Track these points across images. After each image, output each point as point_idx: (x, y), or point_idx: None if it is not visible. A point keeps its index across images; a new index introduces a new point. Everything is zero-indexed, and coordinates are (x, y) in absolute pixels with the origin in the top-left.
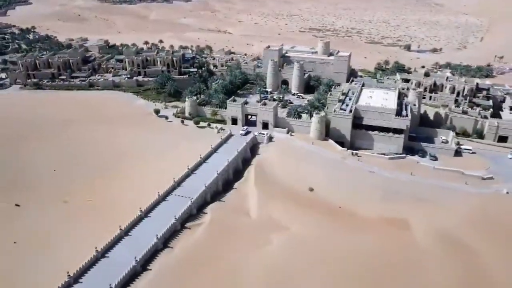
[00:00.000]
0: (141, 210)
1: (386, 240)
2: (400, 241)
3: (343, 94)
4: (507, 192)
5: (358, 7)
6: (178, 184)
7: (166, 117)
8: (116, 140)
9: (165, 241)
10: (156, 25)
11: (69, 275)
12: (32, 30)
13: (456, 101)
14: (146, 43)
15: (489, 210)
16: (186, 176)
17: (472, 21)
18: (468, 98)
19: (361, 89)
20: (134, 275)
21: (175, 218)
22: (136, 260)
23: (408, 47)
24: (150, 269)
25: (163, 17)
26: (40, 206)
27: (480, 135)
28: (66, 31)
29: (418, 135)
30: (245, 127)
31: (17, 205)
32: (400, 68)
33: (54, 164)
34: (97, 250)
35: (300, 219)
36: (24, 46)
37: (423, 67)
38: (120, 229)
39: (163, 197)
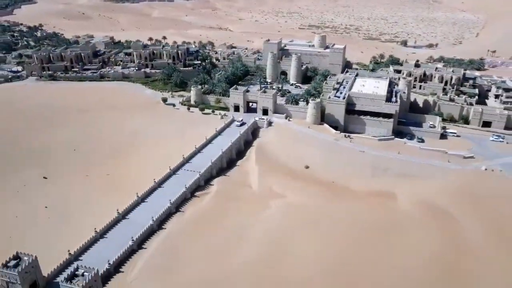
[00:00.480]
0: (155, 181)
1: (373, 207)
2: (387, 208)
3: (337, 83)
4: (486, 169)
5: (357, 5)
6: (187, 160)
7: (173, 105)
8: (128, 124)
9: (177, 206)
10: (159, 23)
11: (96, 231)
12: (40, 27)
13: (444, 89)
14: (150, 39)
15: (467, 183)
16: (194, 154)
17: (469, 18)
18: (455, 86)
19: (355, 79)
20: (151, 232)
21: (185, 187)
22: (153, 220)
23: (404, 43)
24: (165, 228)
25: (165, 15)
26: (65, 179)
27: (466, 120)
28: (71, 28)
29: (408, 121)
30: (240, 119)
31: (44, 177)
32: (394, 61)
33: (74, 145)
34: (118, 212)
35: (296, 190)
36: (32, 43)
37: (417, 61)
38: (137, 196)
39: (174, 171)
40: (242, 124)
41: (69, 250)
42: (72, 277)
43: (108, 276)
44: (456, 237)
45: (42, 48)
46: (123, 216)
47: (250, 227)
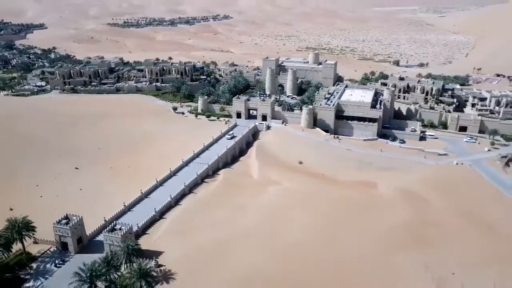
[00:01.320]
0: (170, 170)
1: (356, 192)
2: (368, 193)
3: (328, 93)
4: (457, 163)
5: (353, 28)
6: (197, 155)
7: (183, 113)
8: (143, 127)
9: (190, 189)
10: (164, 45)
11: (124, 205)
12: (53, 50)
13: (425, 99)
14: (157, 59)
15: (439, 174)
16: (203, 150)
17: (460, 39)
18: (435, 96)
19: (344, 90)
20: (169, 207)
21: (197, 174)
22: (171, 198)
23: (397, 63)
24: (181, 204)
25: (169, 39)
26: (93, 169)
27: (444, 125)
28: (81, 51)
29: (392, 126)
30: (231, 132)
31: (76, 168)
32: (384, 77)
33: (97, 144)
34: (141, 192)
35: (291, 179)
36: (47, 64)
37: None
38: (157, 181)
39: (186, 163)
40: (233, 137)
41: (104, 217)
42: (112, 230)
43: (136, 236)
44: (424, 212)
45: (62, 66)
46: (145, 195)
47: (251, 205)
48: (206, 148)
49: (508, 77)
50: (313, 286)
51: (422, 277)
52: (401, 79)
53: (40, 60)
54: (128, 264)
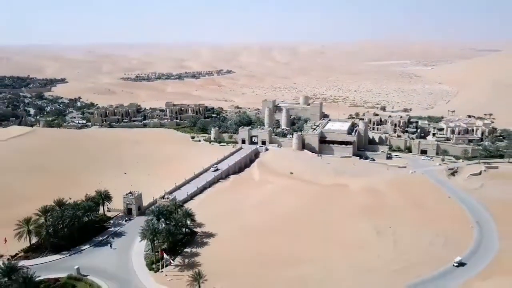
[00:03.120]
0: (194, 173)
1: (332, 190)
2: (340, 190)
3: (315, 125)
4: (411, 172)
5: (346, 80)
6: (212, 165)
7: (199, 140)
8: (168, 149)
9: (210, 185)
10: (173, 96)
11: (165, 191)
12: (79, 99)
13: (394, 129)
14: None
15: (397, 178)
16: (216, 163)
17: (444, 89)
18: (402, 127)
19: (327, 122)
20: (195, 194)
21: (214, 176)
22: (197, 187)
23: (383, 108)
24: (204, 193)
25: (178, 90)
26: (136, 175)
27: (409, 149)
28: (101, 100)
29: (366, 149)
30: (215, 166)
31: (124, 173)
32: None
33: (135, 160)
34: (175, 184)
35: (284, 181)
36: (74, 111)
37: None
38: (185, 179)
39: (205, 170)
40: (216, 170)
41: (164, 190)
42: (162, 198)
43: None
44: (380, 200)
45: (99, 108)
46: (178, 187)
47: (254, 193)
48: (219, 162)
49: (478, 117)
50: (298, 236)
51: (370, 232)
52: (376, 115)
53: (68, 107)
54: (177, 210)
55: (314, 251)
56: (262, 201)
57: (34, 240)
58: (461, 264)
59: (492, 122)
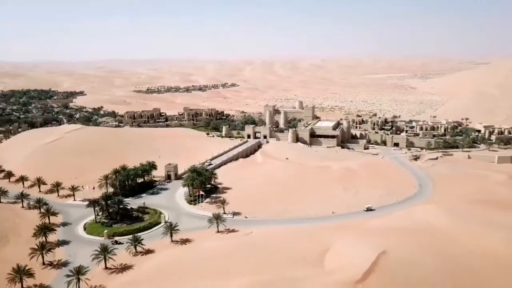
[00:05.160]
0: (213, 155)
1: (317, 169)
2: (324, 170)
3: (307, 123)
4: (382, 157)
5: (344, 92)
6: (225, 152)
7: (213, 136)
8: (188, 143)
9: (224, 163)
10: (182, 107)
11: (199, 161)
12: (101, 108)
13: (373, 127)
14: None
15: (369, 161)
16: (227, 151)
17: (435, 99)
18: (380, 126)
19: (318, 121)
20: (217, 167)
21: (227, 157)
22: (221, 161)
23: (374, 115)
24: (220, 168)
25: (186, 101)
26: (169, 158)
27: (384, 143)
28: (119, 110)
29: (349, 143)
30: (209, 160)
31: (159, 156)
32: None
33: (166, 148)
34: (206, 159)
35: (280, 163)
36: (98, 118)
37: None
38: (206, 159)
39: (220, 155)
40: (210, 164)
41: (199, 161)
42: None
43: None
44: (352, 174)
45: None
46: (204, 162)
47: (257, 169)
48: (229, 150)
49: (455, 121)
50: (295, 199)
51: (339, 189)
52: (358, 116)
53: (93, 115)
54: (205, 171)
55: (299, 199)
56: (263, 173)
57: (110, 189)
58: (369, 209)
59: (467, 125)
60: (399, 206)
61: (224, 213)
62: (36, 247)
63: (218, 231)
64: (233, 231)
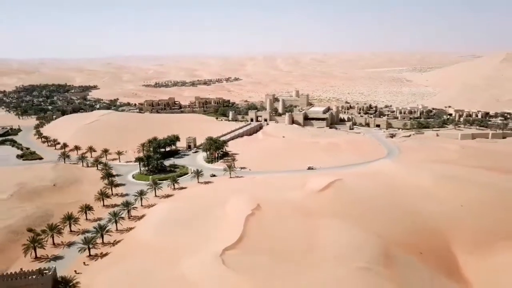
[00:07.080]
0: (222, 133)
1: (308, 143)
2: (313, 144)
3: (302, 109)
4: (363, 135)
5: (343, 85)
6: (232, 131)
7: (221, 120)
8: (201, 125)
9: (232, 138)
10: (190, 99)
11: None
12: (117, 100)
13: (359, 112)
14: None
15: (352, 138)
16: (234, 130)
17: (428, 91)
18: (364, 111)
19: (311, 106)
20: (228, 141)
21: (234, 133)
22: (231, 136)
23: (370, 105)
24: (230, 142)
25: (193, 95)
26: (186, 136)
27: (368, 125)
28: (133, 102)
29: (337, 125)
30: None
31: (179, 135)
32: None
33: (183, 129)
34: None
35: (278, 139)
36: (114, 108)
37: (346, 101)
38: (224, 132)
39: (228, 133)
40: (196, 152)
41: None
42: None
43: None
44: (337, 147)
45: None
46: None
47: (259, 144)
48: (236, 129)
49: (439, 109)
50: (288, 161)
51: (323, 155)
52: (347, 102)
53: (110, 105)
54: (218, 141)
55: (291, 161)
56: (264, 146)
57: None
58: (310, 168)
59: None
60: (366, 163)
61: (234, 167)
62: (105, 185)
63: (230, 177)
64: (241, 177)
